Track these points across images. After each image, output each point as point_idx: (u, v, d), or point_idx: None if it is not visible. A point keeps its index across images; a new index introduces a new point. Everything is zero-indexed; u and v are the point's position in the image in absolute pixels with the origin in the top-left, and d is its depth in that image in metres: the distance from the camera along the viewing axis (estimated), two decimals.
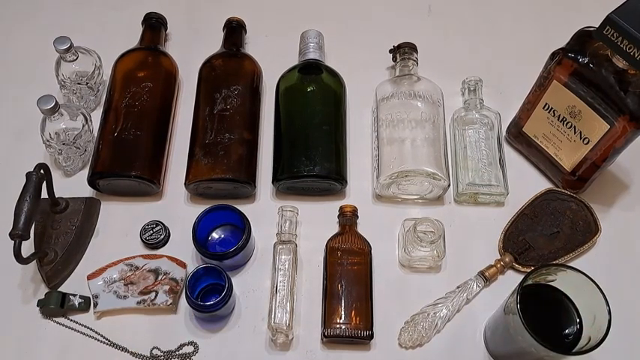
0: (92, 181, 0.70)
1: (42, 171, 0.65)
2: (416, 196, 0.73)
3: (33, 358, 0.64)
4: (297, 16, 0.89)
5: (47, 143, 0.71)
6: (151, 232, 0.70)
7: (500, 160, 0.72)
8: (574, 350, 0.53)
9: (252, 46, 0.86)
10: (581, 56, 0.61)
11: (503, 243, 0.70)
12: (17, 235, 0.60)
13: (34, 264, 0.68)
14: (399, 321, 0.65)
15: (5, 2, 0.93)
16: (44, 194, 0.65)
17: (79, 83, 0.77)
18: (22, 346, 0.65)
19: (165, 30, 0.85)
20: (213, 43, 0.81)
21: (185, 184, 0.70)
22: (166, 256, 0.68)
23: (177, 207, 0.74)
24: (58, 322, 0.66)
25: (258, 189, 0.74)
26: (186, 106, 0.79)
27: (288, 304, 0.63)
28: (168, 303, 0.65)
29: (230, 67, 0.78)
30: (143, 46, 0.80)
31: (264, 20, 0.89)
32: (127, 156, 0.70)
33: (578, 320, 0.55)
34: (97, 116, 0.76)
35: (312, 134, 0.72)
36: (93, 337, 0.65)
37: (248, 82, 0.76)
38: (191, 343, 0.65)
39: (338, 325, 0.62)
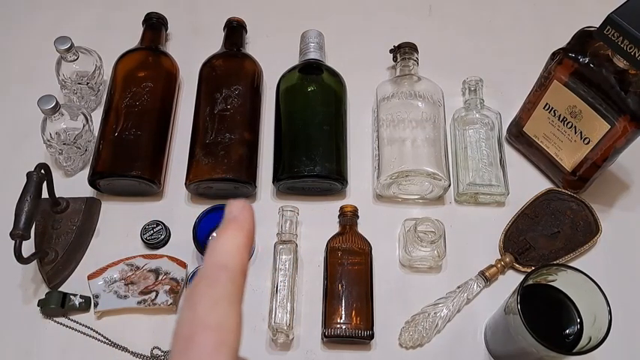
0: (93, 181, 0.70)
1: (42, 171, 0.65)
2: (416, 196, 0.73)
3: (33, 358, 0.64)
4: (297, 16, 0.89)
5: (48, 143, 0.71)
6: (152, 232, 0.70)
7: (500, 160, 0.72)
8: (574, 350, 0.53)
9: (253, 46, 0.86)
10: (582, 56, 0.61)
11: (504, 243, 0.70)
12: (18, 235, 0.60)
13: (34, 264, 0.68)
14: (400, 321, 0.65)
15: (5, 2, 0.93)
16: (45, 194, 0.66)
17: (79, 83, 0.77)
18: (23, 346, 0.65)
19: (166, 30, 0.86)
20: (214, 43, 0.81)
21: (185, 184, 0.70)
22: (167, 256, 0.68)
23: (178, 207, 0.74)
24: (58, 322, 0.66)
25: (258, 189, 0.74)
26: (187, 106, 0.79)
27: (288, 304, 0.63)
28: (169, 303, 0.65)
29: (230, 67, 0.78)
30: (144, 46, 0.80)
31: (265, 20, 0.89)
32: (127, 156, 0.70)
33: (578, 320, 0.55)
34: (97, 116, 0.76)
35: (313, 134, 0.72)
36: (93, 337, 0.65)
37: (248, 82, 0.76)
38: None
39: (338, 325, 0.62)
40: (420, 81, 0.75)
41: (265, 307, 0.65)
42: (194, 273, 0.62)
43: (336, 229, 0.70)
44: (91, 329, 0.65)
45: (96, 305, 0.65)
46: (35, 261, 0.67)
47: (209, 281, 0.25)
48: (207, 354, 0.23)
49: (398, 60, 0.79)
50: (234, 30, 0.82)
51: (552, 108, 0.68)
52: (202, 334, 0.23)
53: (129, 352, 0.64)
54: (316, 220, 0.72)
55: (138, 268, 0.67)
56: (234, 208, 0.28)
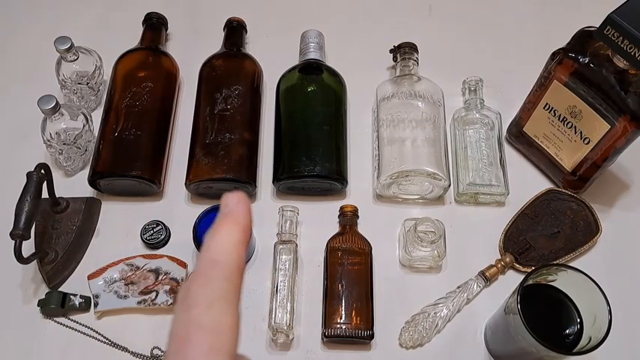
0: (93, 181, 0.70)
1: (42, 171, 0.65)
2: (416, 196, 0.73)
3: (33, 358, 0.64)
4: (297, 16, 0.89)
5: (48, 143, 0.71)
6: (152, 232, 0.70)
7: (500, 160, 0.72)
8: (574, 350, 0.53)
9: (253, 46, 0.86)
10: (582, 56, 0.61)
11: (504, 243, 0.70)
12: (18, 235, 0.60)
13: (34, 264, 0.68)
14: (400, 321, 0.65)
15: (5, 2, 0.93)
16: (45, 194, 0.65)
17: (79, 83, 0.77)
18: (23, 346, 0.65)
19: (166, 30, 0.86)
20: (214, 43, 0.81)
21: (185, 184, 0.70)
22: (167, 256, 0.68)
23: (178, 207, 0.74)
24: (58, 322, 0.66)
25: (258, 189, 0.74)
26: (187, 106, 0.79)
27: (288, 304, 0.63)
28: (169, 303, 0.65)
29: (230, 67, 0.78)
30: (144, 46, 0.80)
31: (265, 20, 0.89)
32: (127, 156, 0.70)
33: (578, 320, 0.55)
34: (97, 116, 0.76)
35: (313, 134, 0.72)
36: (93, 337, 0.65)
37: (248, 82, 0.76)
38: None
39: (338, 325, 0.62)
40: (420, 81, 0.75)
41: (265, 307, 0.65)
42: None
43: (336, 229, 0.70)
44: (91, 329, 0.65)
45: (96, 305, 0.65)
46: (35, 261, 0.67)
47: (204, 280, 0.24)
48: (201, 356, 0.23)
49: (398, 60, 0.79)
50: (234, 30, 0.82)
51: (552, 108, 0.68)
52: (197, 336, 0.23)
53: (129, 352, 0.64)
54: (316, 220, 0.72)
55: (138, 268, 0.67)
56: (230, 201, 0.26)
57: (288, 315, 0.62)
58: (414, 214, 0.70)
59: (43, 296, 0.66)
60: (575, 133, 0.66)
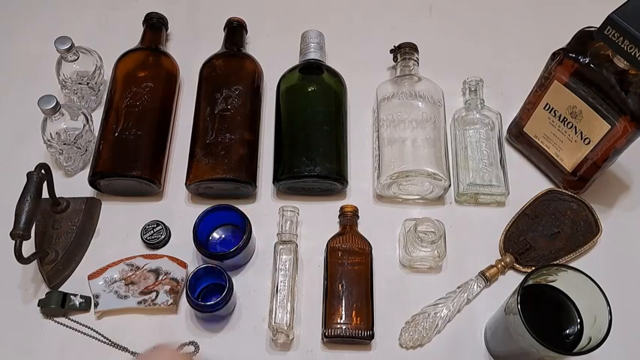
0: (93, 181, 0.70)
1: (43, 171, 0.65)
2: (416, 197, 0.73)
3: (33, 357, 0.64)
4: (298, 17, 0.89)
5: (48, 143, 0.71)
6: (152, 232, 0.70)
7: (501, 160, 0.72)
8: (575, 350, 0.53)
9: (253, 46, 0.86)
10: (582, 56, 0.61)
11: (504, 243, 0.70)
12: (18, 235, 0.60)
13: (34, 264, 0.68)
14: (400, 321, 0.65)
15: (6, 2, 0.93)
16: (45, 194, 0.66)
17: (79, 83, 0.77)
18: (23, 346, 0.65)
19: (166, 30, 0.86)
20: (214, 43, 0.81)
21: (186, 184, 0.70)
22: (167, 256, 0.68)
23: (178, 207, 0.74)
24: (58, 322, 0.66)
25: (258, 189, 0.74)
26: (187, 106, 0.79)
27: (288, 304, 0.63)
28: (169, 303, 0.65)
29: (231, 67, 0.78)
30: (144, 46, 0.80)
31: (265, 20, 0.89)
32: (127, 156, 0.70)
33: (578, 320, 0.55)
34: (97, 116, 0.76)
35: (313, 134, 0.72)
36: (93, 337, 0.65)
37: (249, 82, 0.76)
38: (192, 342, 0.65)
39: (338, 326, 0.62)
40: (421, 81, 0.75)
41: (265, 307, 0.65)
42: (194, 273, 0.62)
43: (336, 229, 0.70)
44: (91, 329, 0.65)
45: (96, 305, 0.65)
46: (35, 261, 0.67)
47: None
48: None
49: (398, 60, 0.79)
50: (235, 30, 0.82)
51: (552, 108, 0.68)
52: None
53: (129, 352, 0.64)
54: (316, 220, 0.72)
55: (138, 268, 0.67)
56: None
57: (288, 315, 0.62)
58: (414, 215, 0.70)
59: (43, 296, 0.66)
60: (576, 133, 0.66)
